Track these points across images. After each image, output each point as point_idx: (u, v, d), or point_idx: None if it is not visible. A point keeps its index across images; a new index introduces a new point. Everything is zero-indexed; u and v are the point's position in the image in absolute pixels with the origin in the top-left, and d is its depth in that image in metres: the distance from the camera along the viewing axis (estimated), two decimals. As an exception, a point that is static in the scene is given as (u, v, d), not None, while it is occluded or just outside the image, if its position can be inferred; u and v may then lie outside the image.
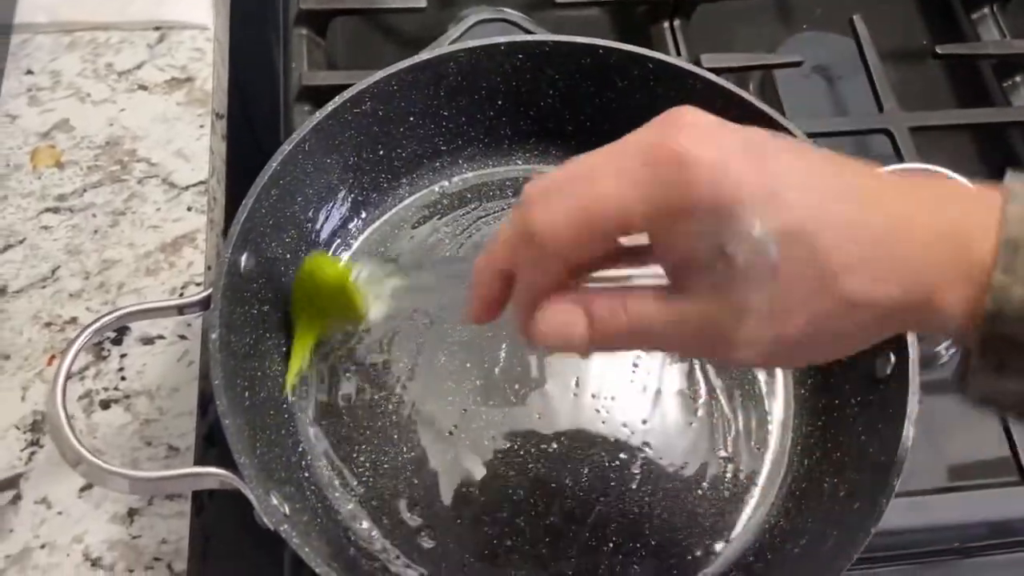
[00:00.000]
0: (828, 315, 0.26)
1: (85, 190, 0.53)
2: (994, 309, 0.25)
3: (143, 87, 0.57)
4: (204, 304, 0.39)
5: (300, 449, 0.42)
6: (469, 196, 0.51)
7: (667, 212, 0.26)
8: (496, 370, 0.46)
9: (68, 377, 0.34)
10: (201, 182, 0.53)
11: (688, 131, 0.26)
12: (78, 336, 0.35)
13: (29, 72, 0.57)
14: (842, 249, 0.26)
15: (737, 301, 0.26)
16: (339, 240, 0.49)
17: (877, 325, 0.27)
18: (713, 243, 0.26)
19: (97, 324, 0.35)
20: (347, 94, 0.44)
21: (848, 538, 0.35)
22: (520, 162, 0.52)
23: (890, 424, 0.38)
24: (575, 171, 0.27)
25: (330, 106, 0.43)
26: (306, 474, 0.42)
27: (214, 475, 0.34)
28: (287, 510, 0.36)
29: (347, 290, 0.42)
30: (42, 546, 0.42)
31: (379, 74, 0.45)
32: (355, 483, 0.42)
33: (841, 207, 0.26)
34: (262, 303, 0.43)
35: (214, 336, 0.36)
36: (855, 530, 0.35)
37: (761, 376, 0.46)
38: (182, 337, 0.48)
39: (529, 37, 0.49)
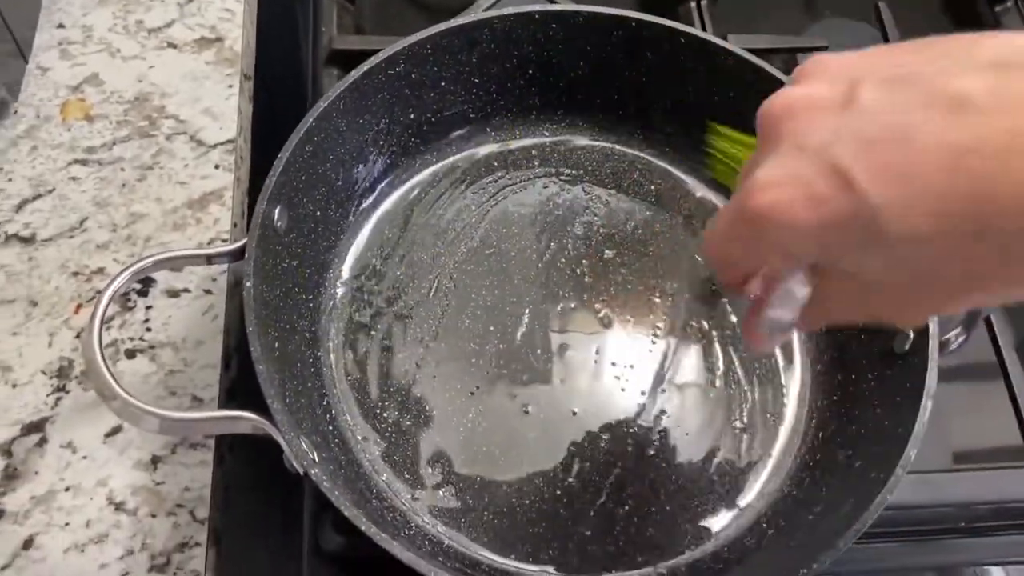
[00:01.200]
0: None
1: (114, 144, 0.53)
2: None
3: (173, 45, 0.57)
4: (236, 255, 0.39)
5: (325, 402, 0.43)
6: (496, 164, 0.52)
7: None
8: (519, 335, 0.46)
9: (104, 316, 0.35)
10: (229, 140, 0.54)
11: (770, 170, 0.27)
12: (116, 277, 0.36)
13: (61, 26, 0.57)
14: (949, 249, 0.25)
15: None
16: (367, 201, 0.49)
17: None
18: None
19: (135, 267, 0.36)
20: (382, 55, 0.44)
21: (863, 506, 0.36)
22: (547, 133, 0.53)
23: (908, 397, 0.39)
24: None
25: (365, 66, 0.44)
26: (330, 427, 0.42)
27: (247, 419, 0.35)
28: (316, 457, 0.37)
29: None
30: (66, 489, 0.43)
31: (415, 36, 0.45)
32: (378, 438, 0.43)
33: (930, 211, 0.25)
34: (292, 258, 0.43)
35: (248, 284, 0.37)
36: (870, 498, 0.36)
37: (779, 351, 0.47)
38: (207, 292, 0.48)
39: (564, 7, 0.49)
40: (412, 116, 0.49)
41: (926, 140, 0.25)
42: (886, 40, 0.61)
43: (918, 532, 0.47)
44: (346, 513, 0.33)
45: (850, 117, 0.26)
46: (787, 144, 0.27)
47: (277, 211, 0.41)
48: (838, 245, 0.27)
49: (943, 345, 0.53)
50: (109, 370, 0.34)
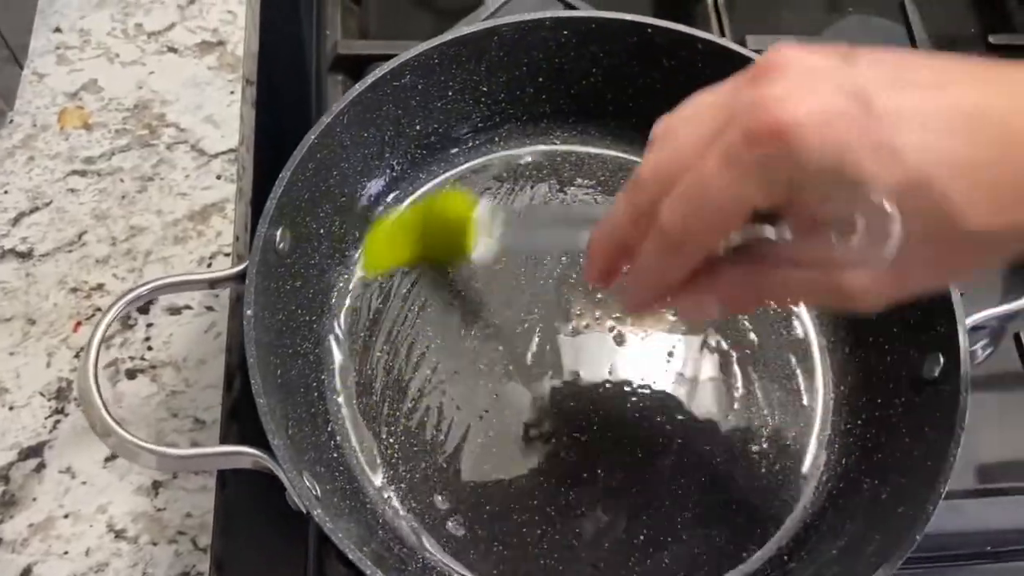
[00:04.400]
0: (950, 256, 0.27)
1: (113, 153, 0.52)
2: None
3: (173, 49, 0.56)
4: (238, 278, 0.38)
5: (330, 429, 0.42)
6: (505, 175, 0.50)
7: (783, 193, 0.26)
8: (528, 355, 0.45)
9: (100, 347, 0.33)
10: (231, 150, 0.52)
11: (782, 88, 0.25)
12: (111, 307, 0.35)
13: (57, 30, 0.55)
14: (959, 189, 0.25)
15: (859, 261, 0.27)
16: (373, 216, 0.47)
17: (1000, 252, 0.27)
18: (832, 208, 0.26)
19: (130, 295, 0.34)
20: (388, 66, 0.42)
21: (892, 543, 0.34)
22: (558, 141, 0.51)
23: (938, 427, 0.37)
24: (680, 155, 0.27)
25: (370, 78, 0.42)
26: (335, 455, 0.41)
27: (247, 455, 0.34)
28: (319, 492, 0.35)
29: (468, 226, 0.43)
30: (66, 516, 0.42)
31: (422, 46, 0.43)
32: (384, 465, 0.42)
33: (952, 143, 0.25)
34: (295, 279, 0.42)
35: (248, 313, 0.35)
36: (899, 535, 0.34)
37: (799, 372, 0.45)
38: (209, 308, 0.47)
39: (575, 12, 0.47)
40: (419, 127, 0.47)
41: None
42: (911, 38, 0.59)
43: (941, 559, 0.46)
44: (350, 556, 0.32)
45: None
46: (795, 71, 0.25)
47: (279, 232, 0.39)
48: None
49: (969, 357, 0.52)
50: (105, 406, 0.33)
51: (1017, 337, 0.50)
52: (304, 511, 0.33)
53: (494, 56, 0.46)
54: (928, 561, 0.46)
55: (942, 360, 0.39)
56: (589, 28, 0.46)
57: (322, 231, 0.44)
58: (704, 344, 0.46)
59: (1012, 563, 0.46)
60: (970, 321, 0.39)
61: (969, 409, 0.48)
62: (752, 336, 0.46)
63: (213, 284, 0.38)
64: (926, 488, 0.35)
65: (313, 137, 0.40)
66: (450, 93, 0.47)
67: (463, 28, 0.45)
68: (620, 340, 0.46)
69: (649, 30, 0.45)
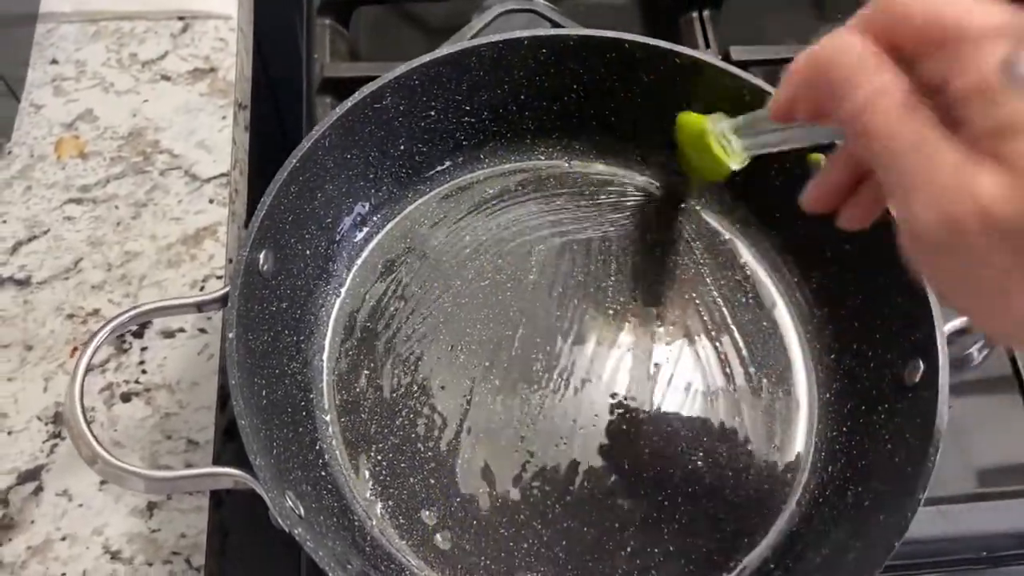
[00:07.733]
0: None
1: (108, 181, 0.53)
2: None
3: (166, 77, 0.57)
4: (222, 301, 0.38)
5: (317, 447, 0.42)
6: (490, 192, 0.50)
7: None
8: (515, 369, 0.45)
9: (86, 375, 0.34)
10: (223, 174, 0.53)
11: None
12: (96, 334, 0.35)
13: (54, 62, 0.57)
14: None
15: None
16: (360, 236, 0.48)
17: None
18: None
19: (114, 323, 0.35)
20: (368, 89, 0.43)
21: (871, 551, 0.34)
22: (543, 157, 0.51)
23: (918, 434, 0.37)
24: None
25: (350, 101, 0.43)
26: (323, 473, 0.42)
27: (229, 475, 0.34)
28: (302, 511, 0.36)
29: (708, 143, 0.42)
30: (63, 538, 0.43)
31: (400, 68, 0.44)
32: (372, 481, 0.42)
33: None
34: (281, 300, 0.42)
35: (231, 335, 0.36)
36: (878, 543, 0.34)
37: (784, 380, 0.46)
38: (202, 331, 0.48)
39: (553, 31, 0.48)
40: (403, 147, 0.48)
41: None
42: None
43: (938, 563, 0.46)
44: (331, 575, 0.32)
45: None
46: None
47: (263, 255, 0.40)
48: None
49: (965, 360, 0.52)
50: (91, 432, 0.34)
51: (1009, 339, 0.50)
52: (286, 530, 0.34)
53: (474, 76, 0.47)
54: (925, 567, 0.46)
55: (922, 365, 0.39)
56: (568, 46, 0.46)
57: (308, 252, 0.44)
58: (690, 354, 0.46)
59: (1008, 567, 0.46)
60: (949, 327, 0.39)
61: (967, 413, 0.48)
62: (738, 345, 0.46)
63: (199, 307, 0.39)
64: (906, 495, 0.35)
65: (294, 161, 0.41)
66: (433, 113, 0.47)
67: (443, 49, 0.45)
68: (607, 353, 0.46)
69: (626, 45, 0.46)
